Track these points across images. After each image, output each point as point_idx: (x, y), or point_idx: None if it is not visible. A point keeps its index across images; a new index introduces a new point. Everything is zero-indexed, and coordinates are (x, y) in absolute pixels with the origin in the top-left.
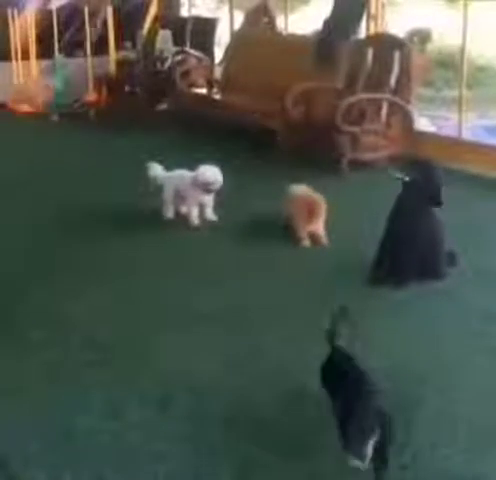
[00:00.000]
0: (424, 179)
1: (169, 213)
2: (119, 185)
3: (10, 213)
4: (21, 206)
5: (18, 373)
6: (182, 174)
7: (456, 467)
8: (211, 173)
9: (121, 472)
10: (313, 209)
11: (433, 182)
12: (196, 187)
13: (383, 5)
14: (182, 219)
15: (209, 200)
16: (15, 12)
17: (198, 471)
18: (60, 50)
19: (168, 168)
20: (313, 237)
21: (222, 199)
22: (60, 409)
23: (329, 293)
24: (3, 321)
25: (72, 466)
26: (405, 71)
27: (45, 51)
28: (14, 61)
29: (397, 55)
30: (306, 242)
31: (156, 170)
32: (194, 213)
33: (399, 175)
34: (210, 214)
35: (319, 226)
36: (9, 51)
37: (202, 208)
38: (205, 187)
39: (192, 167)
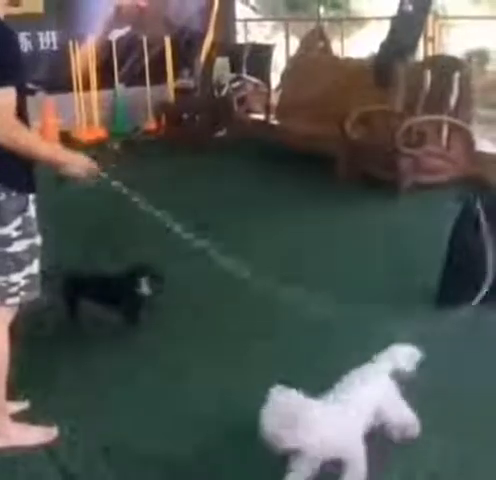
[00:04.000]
0: (488, 204)
1: None
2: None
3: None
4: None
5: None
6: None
7: None
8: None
9: None
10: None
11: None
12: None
13: (440, 27)
14: None
15: None
16: (76, 43)
17: None
18: (120, 80)
19: None
20: None
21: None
22: None
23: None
24: None
25: None
26: (465, 92)
27: (105, 81)
28: (75, 92)
29: (456, 76)
30: None
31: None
32: None
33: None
34: None
35: None
36: (71, 82)
37: None
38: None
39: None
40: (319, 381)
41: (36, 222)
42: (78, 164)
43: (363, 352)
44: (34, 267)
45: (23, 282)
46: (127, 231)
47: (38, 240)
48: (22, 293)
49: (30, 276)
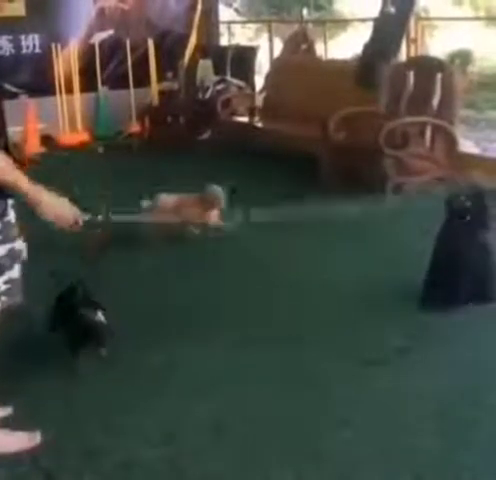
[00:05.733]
0: (474, 205)
1: None
2: None
3: None
4: None
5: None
6: None
7: None
8: None
9: None
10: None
11: (483, 208)
12: None
13: (423, 28)
14: None
15: None
16: (58, 47)
17: None
18: (103, 83)
19: None
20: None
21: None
22: None
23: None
24: None
25: None
26: (447, 93)
27: (88, 84)
28: (58, 95)
29: (439, 77)
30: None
31: None
32: None
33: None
34: None
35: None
36: (53, 85)
37: None
38: None
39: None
40: None
41: (16, 227)
42: (59, 212)
43: (351, 352)
44: (15, 272)
45: (3, 287)
46: None
47: (18, 245)
48: (3, 298)
49: (11, 281)
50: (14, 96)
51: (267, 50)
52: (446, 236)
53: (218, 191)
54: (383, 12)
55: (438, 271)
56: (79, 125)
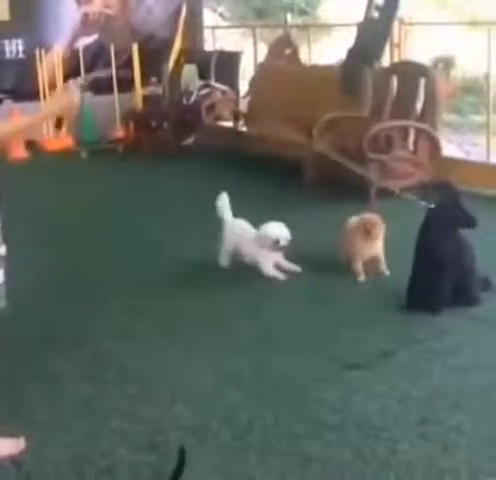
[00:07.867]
0: (450, 203)
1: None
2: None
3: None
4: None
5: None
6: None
7: None
8: (277, 230)
9: None
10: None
11: (460, 204)
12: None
13: (406, 33)
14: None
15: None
16: (43, 51)
17: None
18: (87, 88)
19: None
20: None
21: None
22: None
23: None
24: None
25: None
26: (431, 98)
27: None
28: (42, 100)
29: (422, 82)
30: (362, 277)
31: (224, 202)
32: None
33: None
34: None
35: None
36: (38, 90)
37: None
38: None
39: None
40: None
41: (0, 232)
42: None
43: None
44: None
45: None
46: None
47: (2, 250)
48: None
49: None
50: None
51: (251, 55)
52: (425, 239)
53: (378, 218)
54: (367, 17)
55: (419, 274)
56: (63, 130)
